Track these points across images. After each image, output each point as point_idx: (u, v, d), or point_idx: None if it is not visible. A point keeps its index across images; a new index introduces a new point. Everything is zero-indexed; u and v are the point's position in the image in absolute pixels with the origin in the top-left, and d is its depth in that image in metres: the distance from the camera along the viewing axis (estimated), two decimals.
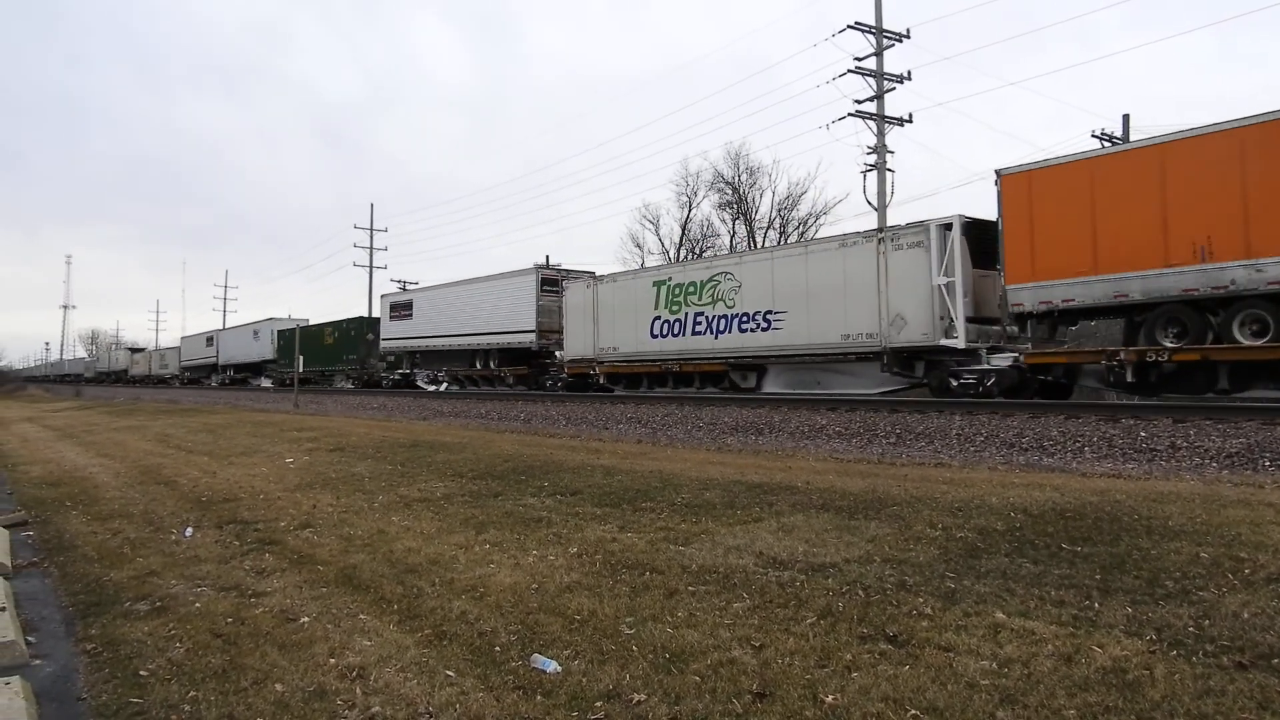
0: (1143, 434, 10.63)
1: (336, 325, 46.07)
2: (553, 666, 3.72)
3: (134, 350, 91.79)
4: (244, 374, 58.23)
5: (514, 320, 31.15)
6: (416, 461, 11.22)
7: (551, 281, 30.20)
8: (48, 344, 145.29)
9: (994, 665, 3.49)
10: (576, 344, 27.84)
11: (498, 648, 4.03)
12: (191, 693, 3.69)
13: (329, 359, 45.58)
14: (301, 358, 45.51)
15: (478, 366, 34.15)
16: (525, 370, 31.63)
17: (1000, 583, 4.58)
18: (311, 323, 49.18)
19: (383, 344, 40.73)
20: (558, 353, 29.58)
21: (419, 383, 38.01)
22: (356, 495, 8.83)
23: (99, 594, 5.45)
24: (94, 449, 16.32)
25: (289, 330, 46.51)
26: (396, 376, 40.23)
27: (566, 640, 4.07)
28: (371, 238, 61.15)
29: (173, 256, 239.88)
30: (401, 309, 39.34)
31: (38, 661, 4.27)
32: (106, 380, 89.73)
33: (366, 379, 42.66)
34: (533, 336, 30.14)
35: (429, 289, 38.51)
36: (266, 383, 51.35)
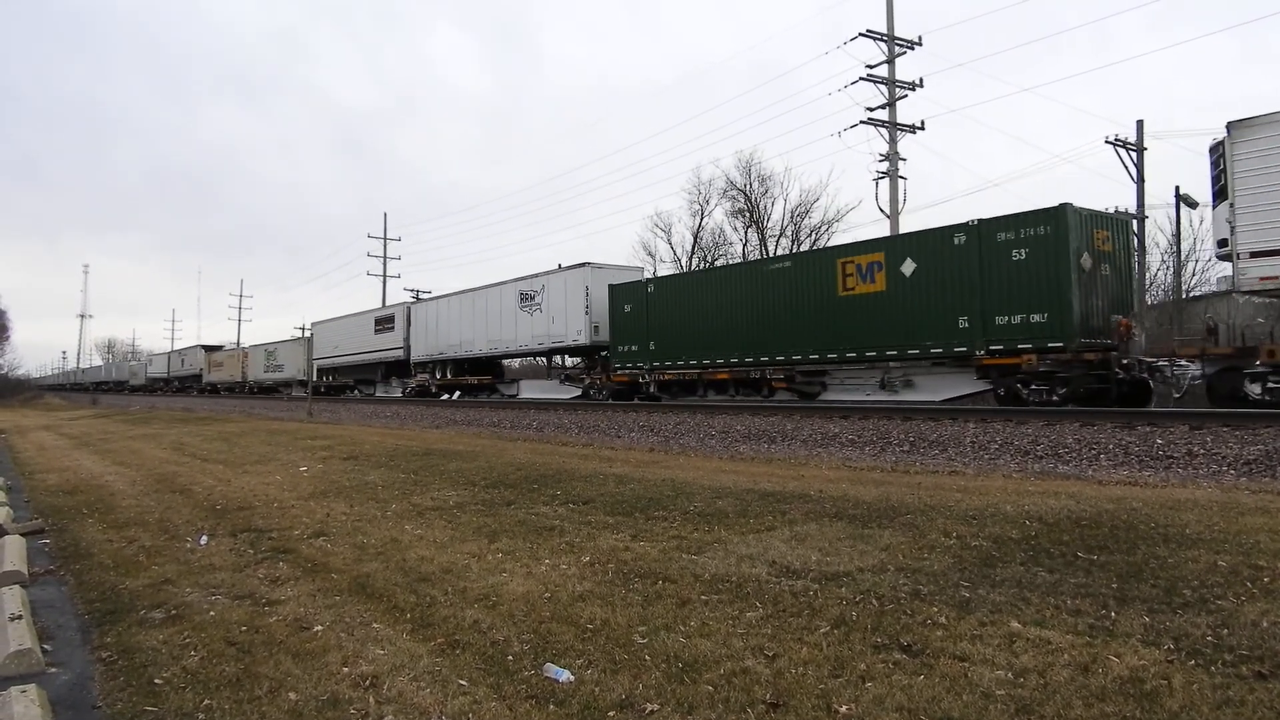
0: (1159, 441, 10.54)
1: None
2: (565, 676, 3.72)
3: (210, 349, 68.73)
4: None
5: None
6: (429, 470, 11.25)
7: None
8: (64, 353, 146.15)
9: (1010, 675, 3.46)
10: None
11: (510, 657, 4.03)
12: (206, 701, 3.71)
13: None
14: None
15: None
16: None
17: (1016, 592, 4.55)
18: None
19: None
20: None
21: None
22: (370, 504, 8.85)
23: (114, 602, 5.48)
24: (110, 457, 16.44)
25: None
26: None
27: (579, 649, 4.06)
28: (385, 247, 61.38)
29: (189, 265, 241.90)
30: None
31: (53, 669, 4.29)
32: (160, 389, 73.83)
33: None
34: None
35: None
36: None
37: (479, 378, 33.38)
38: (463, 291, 34.02)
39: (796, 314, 19.93)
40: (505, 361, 34.86)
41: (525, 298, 29.33)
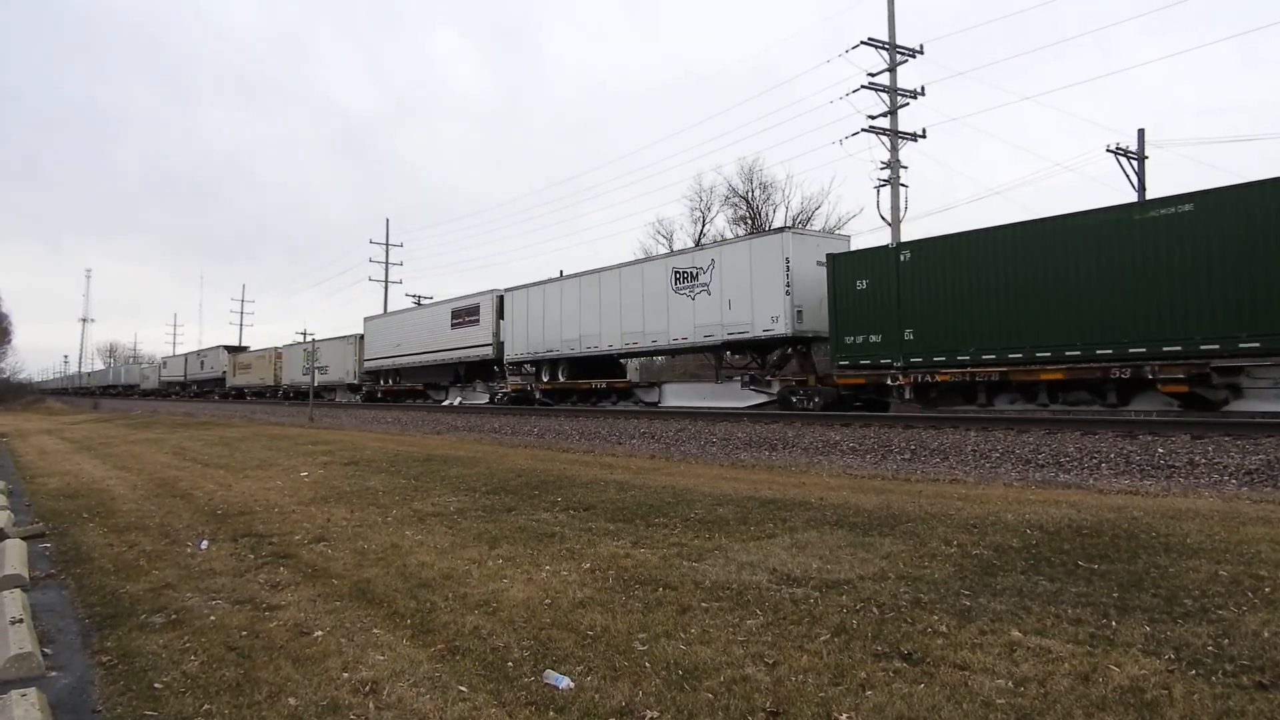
0: (1160, 450, 10.53)
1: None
2: (565, 682, 3.72)
3: (234, 349, 62.31)
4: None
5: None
6: (430, 476, 11.25)
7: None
8: (66, 356, 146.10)
9: (1010, 684, 3.45)
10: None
11: (510, 663, 4.03)
12: (205, 706, 3.70)
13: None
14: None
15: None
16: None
17: (1016, 600, 4.55)
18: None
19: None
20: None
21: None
22: (370, 509, 8.86)
23: (115, 606, 5.48)
24: (111, 461, 16.45)
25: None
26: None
27: (579, 656, 4.06)
28: (387, 252, 61.43)
29: (191, 269, 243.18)
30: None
31: (54, 673, 4.29)
32: (176, 394, 68.46)
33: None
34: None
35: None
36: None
37: (603, 380, 26.93)
38: (584, 274, 27.47)
39: (1208, 278, 13.57)
40: (628, 361, 28.70)
41: (684, 277, 22.91)
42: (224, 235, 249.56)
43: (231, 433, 22.36)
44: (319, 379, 43.88)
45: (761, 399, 21.61)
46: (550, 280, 29.14)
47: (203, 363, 65.24)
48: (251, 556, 6.81)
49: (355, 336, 43.42)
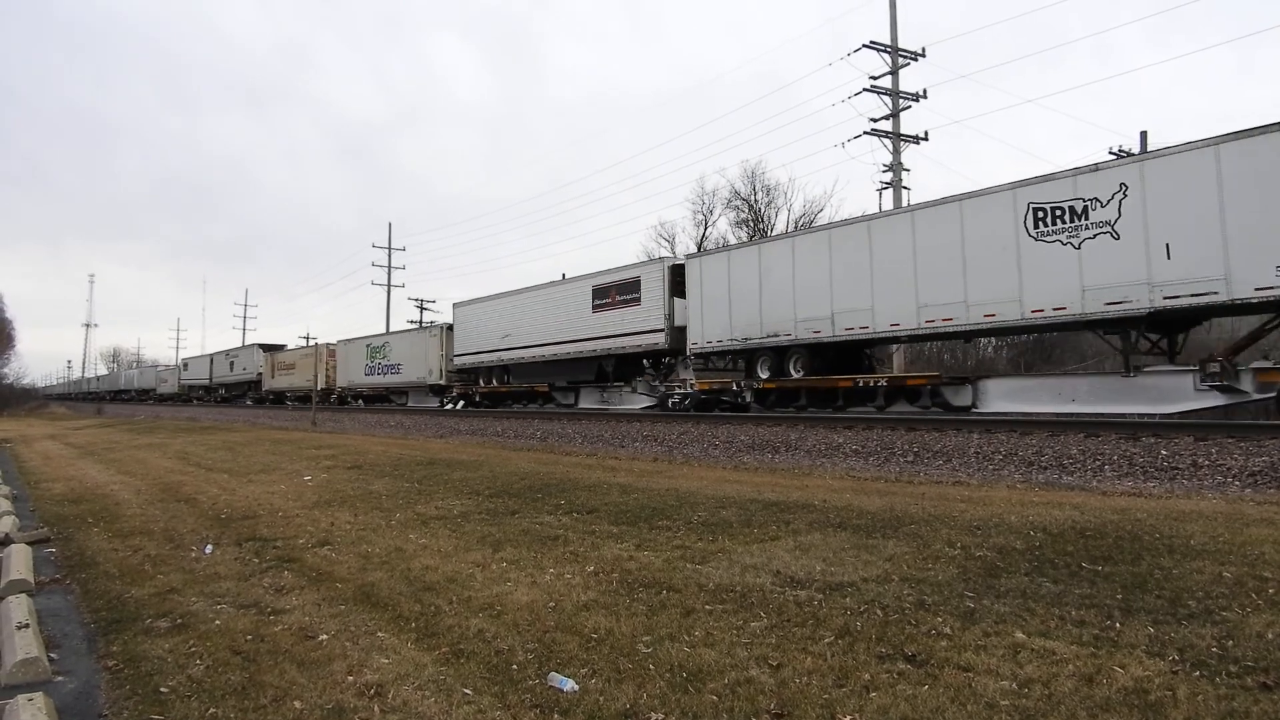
0: (1164, 452, 10.52)
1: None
2: (570, 685, 3.72)
3: (270, 348, 54.40)
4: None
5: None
6: (433, 479, 11.26)
7: None
8: (69, 362, 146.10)
9: (1014, 685, 3.46)
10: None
11: (515, 666, 4.04)
12: (211, 710, 3.72)
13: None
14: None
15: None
16: None
17: (1020, 602, 4.55)
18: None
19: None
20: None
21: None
22: (374, 513, 8.87)
23: (120, 611, 5.50)
24: (115, 466, 16.48)
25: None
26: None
27: (584, 659, 4.07)
28: (390, 256, 61.53)
29: (194, 275, 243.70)
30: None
31: (60, 678, 4.31)
32: (200, 399, 62.13)
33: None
34: None
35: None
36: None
37: (859, 375, 18.91)
38: (838, 224, 19.89)
39: None
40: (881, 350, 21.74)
41: (1054, 216, 14.86)
42: (226, 240, 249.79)
43: (235, 437, 22.39)
44: (388, 380, 38.48)
45: (1213, 402, 13.41)
46: (772, 239, 22.57)
47: (232, 363, 58.59)
48: (256, 561, 6.82)
49: (440, 327, 35.56)
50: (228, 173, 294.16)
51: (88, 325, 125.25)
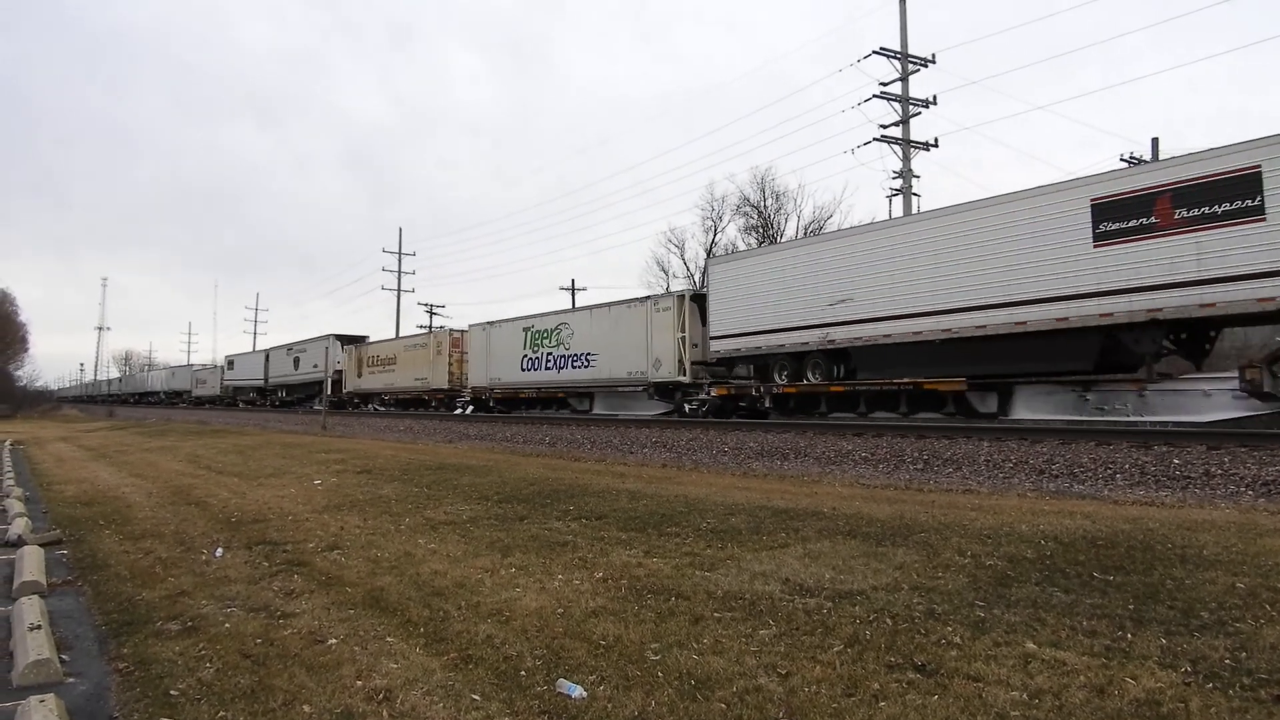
0: (1176, 461, 10.44)
1: None
2: (578, 692, 3.72)
3: (350, 339, 44.21)
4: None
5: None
6: (442, 484, 11.28)
7: None
8: (82, 365, 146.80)
9: (1024, 696, 3.44)
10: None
11: (523, 672, 4.04)
12: (221, 713, 3.73)
13: None
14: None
15: None
16: None
17: (1031, 612, 4.52)
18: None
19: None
20: None
21: None
22: (383, 517, 8.89)
23: (131, 613, 5.53)
24: (126, 469, 16.57)
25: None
26: None
27: (592, 665, 4.07)
28: (400, 262, 61.55)
29: (205, 280, 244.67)
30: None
31: (71, 680, 4.33)
32: (254, 402, 53.03)
33: None
34: None
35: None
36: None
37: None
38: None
39: None
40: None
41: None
42: (237, 247, 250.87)
43: (245, 441, 22.48)
44: (569, 376, 26.68)
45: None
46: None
47: (297, 360, 47.24)
48: (266, 564, 6.85)
49: (675, 297, 23.48)
50: (239, 180, 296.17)
51: (100, 329, 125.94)
